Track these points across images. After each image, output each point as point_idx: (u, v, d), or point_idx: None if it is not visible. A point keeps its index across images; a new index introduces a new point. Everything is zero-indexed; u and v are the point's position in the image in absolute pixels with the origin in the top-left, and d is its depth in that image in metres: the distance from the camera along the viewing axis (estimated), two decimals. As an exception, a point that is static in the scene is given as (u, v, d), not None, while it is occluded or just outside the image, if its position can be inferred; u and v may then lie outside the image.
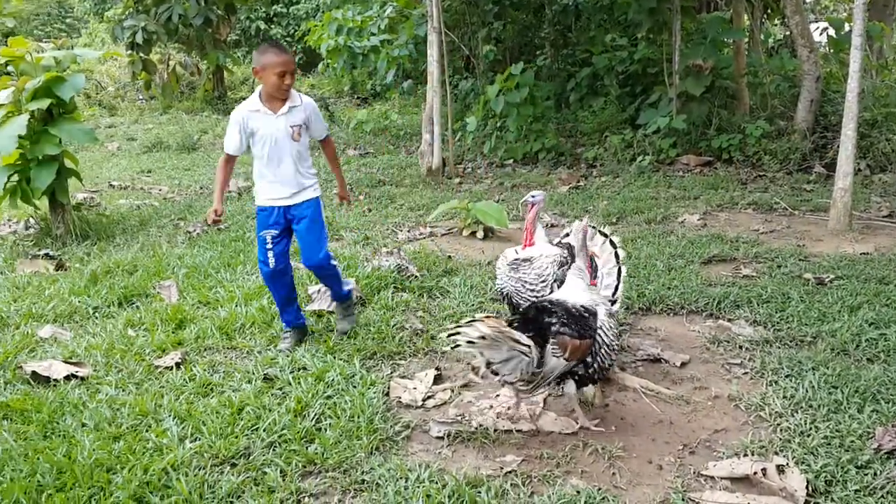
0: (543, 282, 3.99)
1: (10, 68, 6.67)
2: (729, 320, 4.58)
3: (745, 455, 3.08)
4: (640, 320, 4.67)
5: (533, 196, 4.22)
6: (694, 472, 3.00)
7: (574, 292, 3.44)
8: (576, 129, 11.81)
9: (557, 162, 10.48)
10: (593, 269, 4.04)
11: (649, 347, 4.19)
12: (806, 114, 9.71)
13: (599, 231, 4.17)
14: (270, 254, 4.26)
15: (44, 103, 6.14)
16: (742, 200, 7.75)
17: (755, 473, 2.91)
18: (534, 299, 3.87)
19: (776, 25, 16.56)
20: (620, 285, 4.01)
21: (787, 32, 14.45)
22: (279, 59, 3.97)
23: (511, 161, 10.80)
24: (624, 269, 4.07)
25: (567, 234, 4.27)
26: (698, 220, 7.06)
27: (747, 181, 8.83)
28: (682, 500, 2.79)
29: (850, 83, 6.42)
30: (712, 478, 2.96)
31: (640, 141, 10.16)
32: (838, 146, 7.47)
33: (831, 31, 11.17)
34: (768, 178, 8.93)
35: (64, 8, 32.16)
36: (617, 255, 4.09)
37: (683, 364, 3.99)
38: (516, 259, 4.15)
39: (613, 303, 3.90)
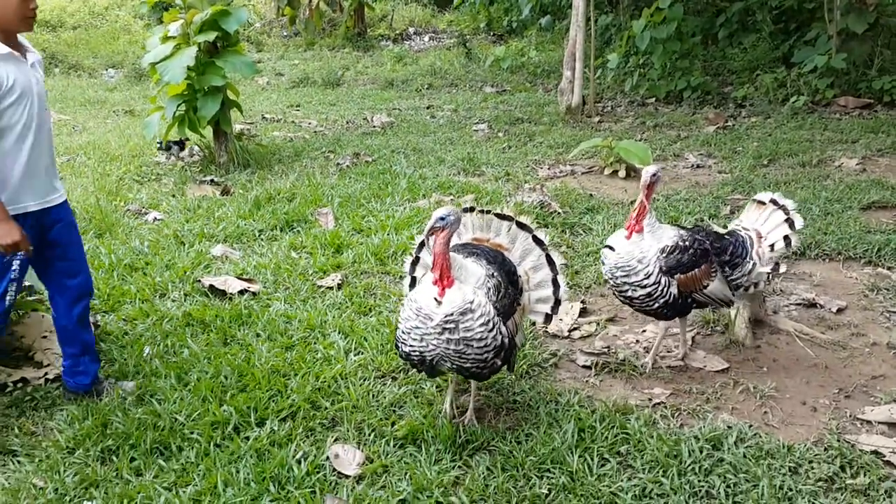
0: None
1: (178, 1, 7.06)
2: (889, 268, 4.40)
3: (906, 403, 3.02)
4: (794, 265, 4.55)
5: (649, 171, 3.38)
6: (849, 416, 2.98)
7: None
8: (724, 67, 11.30)
9: (703, 101, 10.11)
10: None
11: (803, 292, 4.11)
12: (983, 53, 8.91)
13: (497, 214, 3.20)
14: (13, 286, 2.98)
15: (210, 36, 6.49)
16: (906, 145, 7.27)
17: (916, 420, 2.86)
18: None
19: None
20: (561, 282, 3.15)
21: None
22: None
23: (653, 99, 10.51)
24: (559, 259, 3.18)
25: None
26: (856, 164, 6.70)
27: (912, 125, 8.25)
28: (837, 440, 2.78)
29: None
30: (869, 422, 2.93)
31: (794, 80, 9.62)
32: None
33: None
34: (936, 122, 8.31)
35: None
36: (539, 241, 3.18)
37: (840, 310, 3.90)
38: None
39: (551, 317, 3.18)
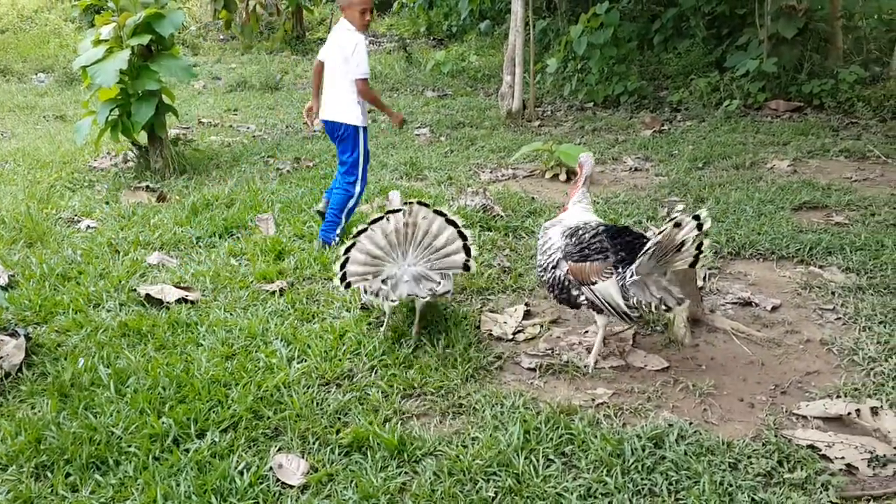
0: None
1: (110, 4, 6.88)
2: (820, 267, 4.54)
3: (838, 397, 3.12)
4: (729, 265, 4.67)
5: (580, 157, 3.78)
6: (786, 411, 3.06)
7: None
8: (659, 72, 11.54)
9: (640, 105, 10.30)
10: None
11: (739, 291, 4.21)
12: (904, 59, 9.29)
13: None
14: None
15: (144, 39, 6.34)
16: (833, 147, 7.52)
17: (848, 414, 2.95)
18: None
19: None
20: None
21: (888, -28, 13.71)
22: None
23: (591, 104, 10.67)
24: (469, 234, 3.70)
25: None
26: (788, 166, 6.91)
27: (839, 128, 8.54)
28: (774, 436, 2.85)
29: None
30: (804, 417, 3.02)
31: (727, 84, 9.88)
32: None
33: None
34: (861, 125, 8.62)
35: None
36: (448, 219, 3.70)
37: (774, 308, 4.01)
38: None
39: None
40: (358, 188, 5.02)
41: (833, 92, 9.26)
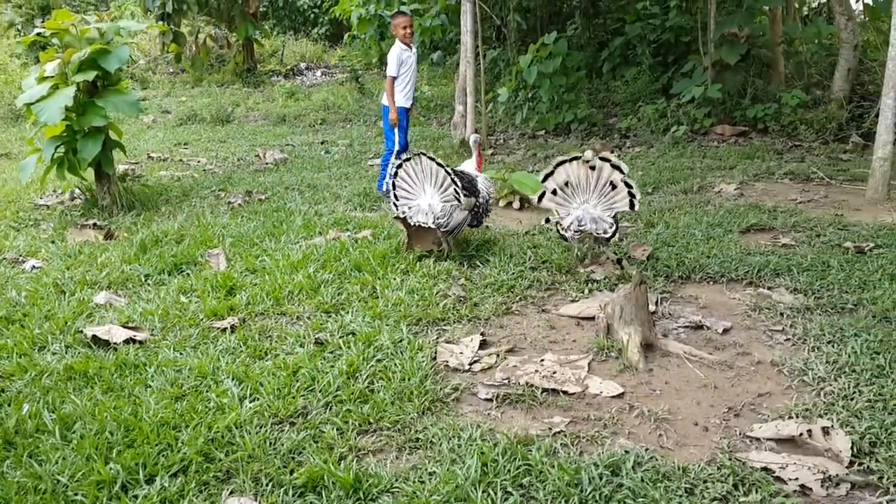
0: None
1: (54, 41, 6.78)
2: (769, 288, 4.62)
3: (790, 418, 3.15)
4: (680, 288, 4.73)
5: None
6: (739, 434, 3.08)
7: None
8: (608, 99, 11.77)
9: (590, 132, 10.47)
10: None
11: (691, 315, 4.26)
12: (843, 83, 9.60)
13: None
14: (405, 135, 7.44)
15: (90, 75, 6.26)
16: (778, 170, 7.72)
17: (800, 435, 2.98)
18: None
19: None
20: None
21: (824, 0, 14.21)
22: (402, 19, 7.35)
23: (543, 132, 10.81)
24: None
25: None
26: (735, 189, 7.06)
27: (783, 151, 8.79)
28: (729, 459, 2.87)
29: (892, 51, 6.35)
30: (758, 439, 3.04)
31: (673, 111, 10.11)
32: (875, 115, 7.42)
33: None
34: (804, 147, 8.88)
35: (92, -19, 32.26)
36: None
37: (725, 331, 4.06)
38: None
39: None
40: (394, 147, 7.38)
41: (776, 116, 9.53)
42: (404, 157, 5.37)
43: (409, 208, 5.19)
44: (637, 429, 3.17)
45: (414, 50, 7.47)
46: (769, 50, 10.62)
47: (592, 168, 4.75)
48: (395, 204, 5.28)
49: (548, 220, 5.13)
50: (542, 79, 10.46)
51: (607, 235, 4.76)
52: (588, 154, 4.80)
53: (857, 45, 9.58)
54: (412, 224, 5.16)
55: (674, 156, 8.69)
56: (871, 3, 10.84)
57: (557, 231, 5.00)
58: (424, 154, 5.20)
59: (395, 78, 7.27)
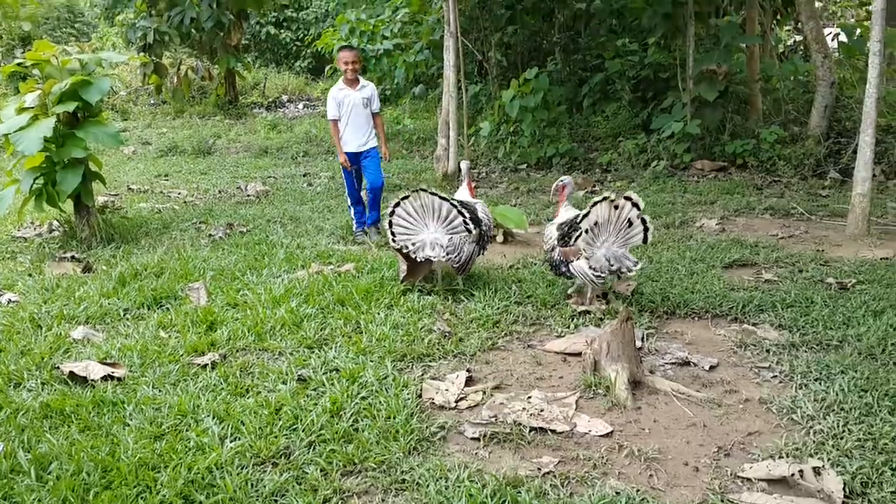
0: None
1: (35, 72, 6.73)
2: (754, 324, 4.62)
3: (781, 457, 3.12)
4: (665, 324, 4.71)
5: (562, 180, 5.37)
6: (731, 474, 3.04)
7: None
8: (588, 134, 11.86)
9: (571, 167, 10.53)
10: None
11: (677, 351, 4.24)
12: (820, 119, 9.75)
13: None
14: (354, 182, 6.99)
15: (70, 106, 6.20)
16: (759, 205, 7.79)
17: (792, 475, 2.95)
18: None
19: (788, 30, 16.59)
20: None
21: (799, 37, 14.50)
22: (345, 54, 6.76)
23: (525, 165, 10.86)
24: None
25: None
26: (716, 224, 7.11)
27: (763, 186, 8.88)
28: (721, 501, 2.83)
29: (869, 89, 6.46)
30: (749, 479, 3.00)
31: (654, 146, 10.20)
32: (853, 152, 7.53)
33: (843, 37, 11.22)
34: (783, 183, 8.97)
35: (73, 13, 32.24)
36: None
37: (712, 367, 4.04)
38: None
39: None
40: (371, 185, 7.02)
41: (755, 151, 9.64)
42: (402, 195, 5.18)
43: (413, 244, 5.11)
44: (627, 469, 3.12)
45: (362, 88, 6.87)
46: (747, 87, 10.79)
47: (616, 207, 4.73)
48: (392, 239, 5.19)
49: (560, 267, 5.02)
50: (525, 113, 10.54)
51: (632, 272, 4.75)
52: (612, 194, 4.76)
53: (833, 83, 9.74)
54: (417, 259, 5.11)
55: (655, 190, 8.74)
56: (846, 41, 11.08)
57: (566, 272, 4.95)
58: (424, 189, 5.11)
59: (336, 121, 6.86)
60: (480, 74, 14.56)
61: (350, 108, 6.79)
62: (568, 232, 4.94)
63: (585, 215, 4.76)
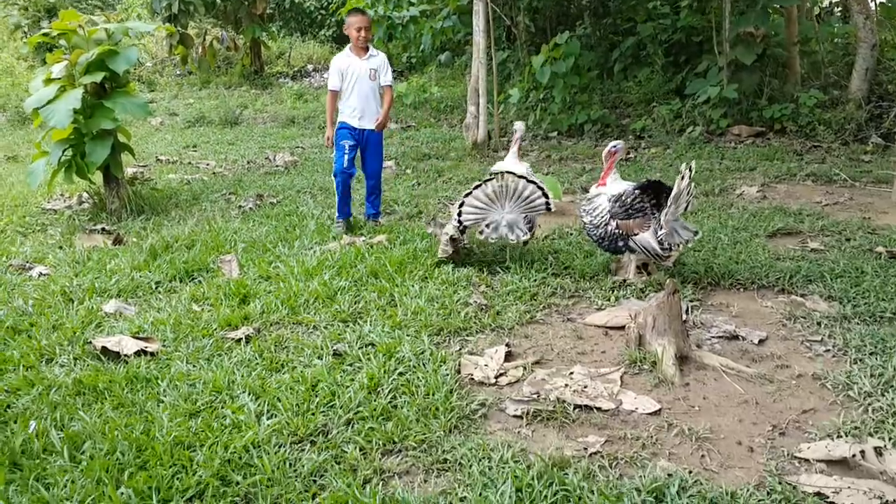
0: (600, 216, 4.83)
1: (62, 42, 6.64)
2: (802, 296, 4.45)
3: (839, 437, 2.98)
4: (710, 296, 4.55)
5: (615, 145, 5.02)
6: (787, 454, 2.91)
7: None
8: (620, 100, 11.58)
9: (604, 133, 10.30)
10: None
11: (723, 324, 4.09)
12: (861, 82, 9.41)
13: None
14: (345, 157, 5.93)
15: (97, 77, 6.12)
16: (800, 172, 7.54)
17: (853, 456, 2.81)
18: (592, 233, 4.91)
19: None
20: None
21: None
22: (355, 18, 5.94)
23: (556, 133, 10.64)
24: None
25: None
26: (757, 192, 6.89)
27: (803, 152, 8.61)
28: (779, 483, 2.70)
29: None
30: (807, 460, 2.86)
31: (688, 111, 9.93)
32: (895, 116, 7.23)
33: (883, -2, 10.80)
34: (824, 148, 8.69)
35: (98, -18, 32.17)
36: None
37: (761, 341, 3.89)
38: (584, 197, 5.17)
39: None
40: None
41: (794, 116, 9.35)
42: (484, 178, 5.02)
43: (488, 225, 5.01)
44: (678, 449, 3.00)
45: (371, 57, 6.04)
46: (785, 49, 10.43)
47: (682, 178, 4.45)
48: (458, 222, 5.04)
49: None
50: (555, 79, 10.30)
51: (690, 244, 4.62)
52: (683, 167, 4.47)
53: (875, 45, 9.39)
54: (489, 240, 5.10)
55: (691, 157, 8.51)
56: (886, 1, 10.67)
57: (623, 246, 4.72)
58: (505, 172, 5.01)
59: (335, 92, 6.07)
60: (509, 40, 14.27)
61: (354, 80, 5.96)
62: (632, 204, 4.64)
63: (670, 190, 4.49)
